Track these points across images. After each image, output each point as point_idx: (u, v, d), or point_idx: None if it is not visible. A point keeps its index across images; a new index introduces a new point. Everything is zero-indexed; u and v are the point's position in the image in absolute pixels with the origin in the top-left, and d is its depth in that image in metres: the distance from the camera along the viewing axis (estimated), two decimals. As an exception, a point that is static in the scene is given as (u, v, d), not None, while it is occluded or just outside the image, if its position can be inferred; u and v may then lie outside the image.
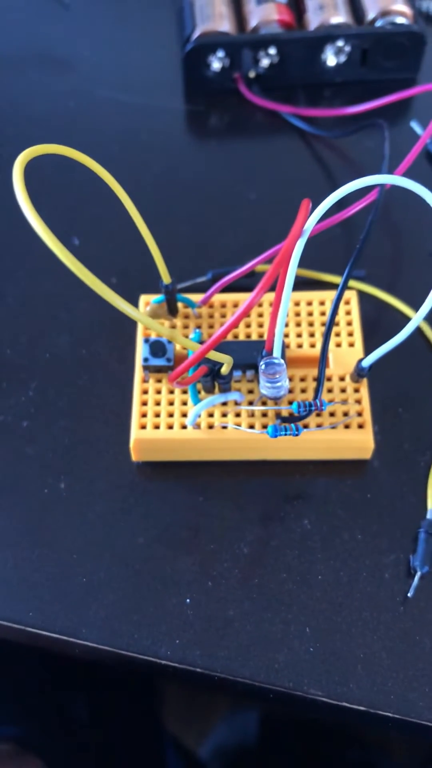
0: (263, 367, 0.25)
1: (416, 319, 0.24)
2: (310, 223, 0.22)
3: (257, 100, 0.39)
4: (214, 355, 0.24)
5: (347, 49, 0.38)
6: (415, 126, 0.38)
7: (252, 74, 0.39)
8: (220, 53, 0.38)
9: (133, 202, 0.24)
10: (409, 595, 0.26)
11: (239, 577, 0.26)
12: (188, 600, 0.26)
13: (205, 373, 0.26)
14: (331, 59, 0.39)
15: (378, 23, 0.38)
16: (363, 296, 0.32)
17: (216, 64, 0.39)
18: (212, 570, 0.27)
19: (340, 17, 0.38)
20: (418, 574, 0.26)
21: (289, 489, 0.28)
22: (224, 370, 0.26)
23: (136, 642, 0.25)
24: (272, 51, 0.38)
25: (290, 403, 0.27)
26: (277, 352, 0.25)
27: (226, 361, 0.25)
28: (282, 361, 0.25)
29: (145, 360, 0.28)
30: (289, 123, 0.39)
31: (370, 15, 0.38)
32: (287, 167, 0.38)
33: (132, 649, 0.25)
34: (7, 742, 0.38)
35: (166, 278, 0.28)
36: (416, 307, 0.31)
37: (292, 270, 0.22)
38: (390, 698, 0.24)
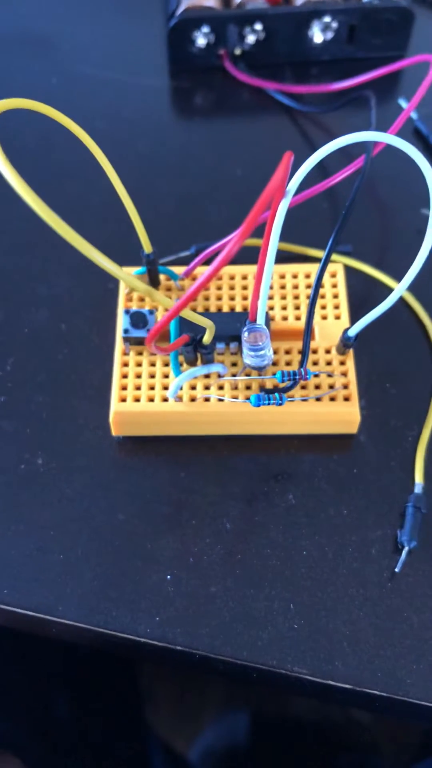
0: (246, 333, 0.24)
1: (402, 285, 0.23)
2: (296, 181, 0.22)
3: (243, 77, 0.38)
4: (195, 318, 0.23)
5: (334, 25, 0.38)
6: (403, 103, 0.38)
7: (238, 51, 0.39)
8: (205, 29, 0.38)
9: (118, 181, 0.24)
10: (396, 570, 0.25)
11: (222, 553, 0.26)
12: (169, 576, 0.25)
13: (186, 341, 0.25)
14: (318, 36, 0.38)
15: (365, -1, 0.38)
16: (351, 272, 0.32)
17: (201, 40, 0.38)
18: (194, 546, 0.26)
19: (327, -7, 0.38)
20: (406, 549, 0.25)
21: (274, 464, 0.27)
22: (206, 338, 0.25)
23: (114, 620, 0.25)
24: (258, 27, 0.38)
25: (274, 374, 0.27)
26: (260, 319, 0.24)
27: (207, 326, 0.24)
28: (264, 327, 0.24)
29: (126, 331, 0.27)
30: (274, 100, 0.38)
31: (358, -9, 0.38)
32: (273, 144, 0.37)
33: (110, 626, 0.25)
34: None
35: (147, 247, 0.27)
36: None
37: (276, 231, 0.22)
38: (377, 676, 0.24)
